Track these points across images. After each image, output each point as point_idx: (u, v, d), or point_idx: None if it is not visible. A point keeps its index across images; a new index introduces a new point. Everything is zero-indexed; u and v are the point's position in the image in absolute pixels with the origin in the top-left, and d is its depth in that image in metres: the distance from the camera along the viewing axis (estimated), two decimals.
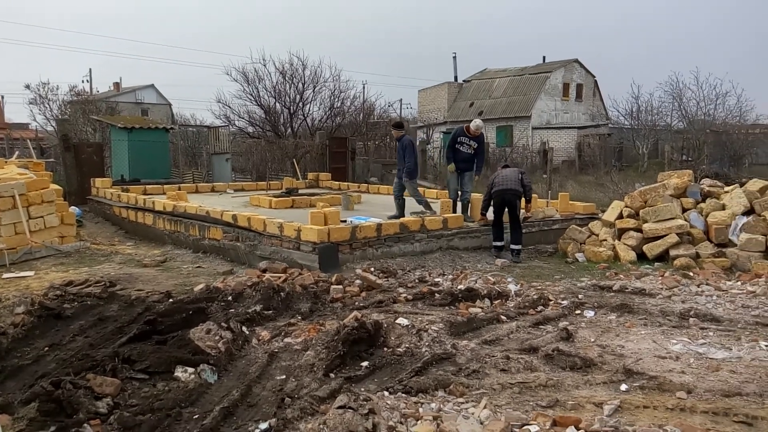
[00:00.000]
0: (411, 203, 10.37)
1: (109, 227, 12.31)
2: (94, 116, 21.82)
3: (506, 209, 8.94)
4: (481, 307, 6.08)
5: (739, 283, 7.14)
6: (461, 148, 9.79)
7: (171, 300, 6.05)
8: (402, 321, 5.37)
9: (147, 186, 14.23)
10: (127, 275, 7.72)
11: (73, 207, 11.23)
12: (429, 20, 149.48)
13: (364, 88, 36.63)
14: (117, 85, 53.32)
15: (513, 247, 8.88)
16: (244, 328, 5.11)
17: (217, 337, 4.62)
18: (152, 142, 16.18)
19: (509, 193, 8.87)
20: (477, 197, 10.32)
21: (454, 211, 9.81)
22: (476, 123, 9.84)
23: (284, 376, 4.21)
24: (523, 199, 9.06)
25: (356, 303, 6.20)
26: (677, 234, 8.42)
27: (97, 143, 17.78)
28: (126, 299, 6.10)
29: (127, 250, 9.97)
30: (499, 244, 8.99)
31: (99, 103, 30.59)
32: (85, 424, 3.46)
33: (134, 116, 26.00)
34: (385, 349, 4.69)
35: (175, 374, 4.09)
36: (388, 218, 9.39)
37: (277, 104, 26.01)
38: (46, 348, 4.77)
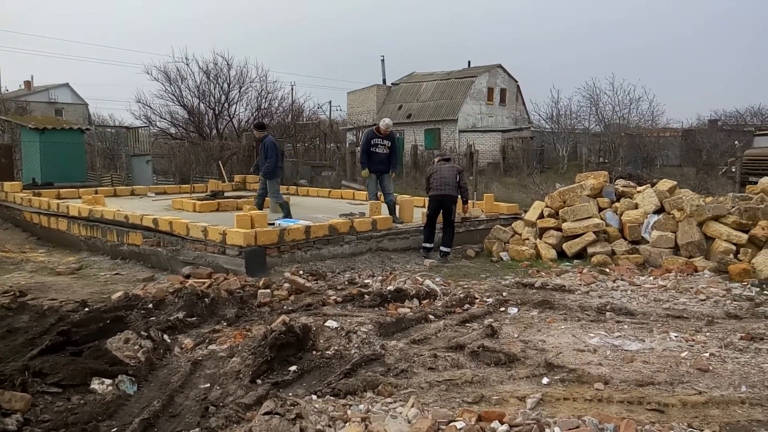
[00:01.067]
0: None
1: (19, 234, 11.60)
2: (2, 116, 20.54)
3: (441, 211, 8.98)
4: (410, 307, 6.14)
5: (651, 278, 7.54)
6: (376, 150, 9.85)
7: (87, 309, 5.76)
8: (331, 323, 5.34)
9: (61, 190, 13.50)
10: (39, 284, 7.30)
11: None
12: (355, 24, 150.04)
13: (292, 89, 36.05)
14: (28, 83, 50.51)
15: (443, 249, 8.98)
16: (165, 337, 4.93)
17: (136, 347, 4.43)
18: (66, 143, 15.39)
19: (447, 199, 8.88)
20: (405, 198, 10.42)
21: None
22: (385, 122, 9.87)
23: (209, 385, 4.09)
24: (460, 200, 9.13)
25: (285, 307, 6.11)
26: (594, 232, 8.80)
27: (6, 145, 16.75)
28: (38, 309, 5.75)
29: (39, 257, 9.42)
30: (428, 245, 9.07)
31: (8, 102, 28.91)
32: None
33: (47, 116, 24.61)
34: (314, 352, 4.64)
35: (92, 386, 3.90)
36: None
37: (201, 104, 25.30)
38: None
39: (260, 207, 10.15)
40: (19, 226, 12.06)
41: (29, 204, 11.85)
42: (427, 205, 9.09)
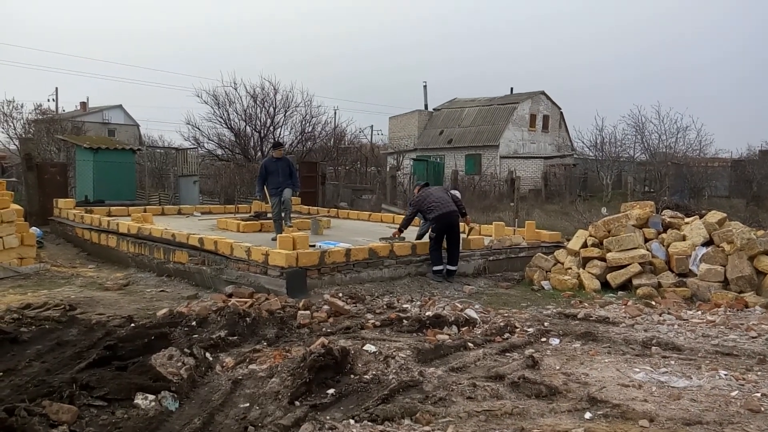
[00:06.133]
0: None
1: (70, 249, 12.02)
2: (59, 136, 21.46)
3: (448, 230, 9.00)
4: (449, 334, 6.08)
5: (699, 312, 7.31)
6: None
7: (133, 325, 5.91)
8: (369, 347, 5.34)
9: (111, 207, 13.97)
10: (87, 299, 7.53)
11: (33, 228, 10.95)
12: (398, 51, 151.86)
13: (335, 113, 36.68)
14: (84, 104, 52.66)
15: (452, 267, 8.97)
16: (207, 354, 5.01)
17: (179, 364, 4.52)
18: (118, 163, 15.95)
19: (454, 216, 9.06)
20: None
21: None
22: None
23: (248, 404, 4.13)
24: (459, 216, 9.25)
25: (323, 329, 6.15)
26: (640, 263, 8.59)
27: (61, 163, 17.45)
28: (86, 323, 5.93)
29: (88, 272, 9.73)
30: (440, 268, 8.97)
31: (64, 122, 30.16)
32: None
33: (100, 136, 25.62)
34: (352, 376, 4.64)
35: (135, 401, 3.98)
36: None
37: (248, 127, 25.93)
38: (1, 373, 4.59)
39: (281, 229, 10.32)
40: (71, 241, 12.50)
41: (81, 220, 12.29)
42: (431, 227, 9.05)
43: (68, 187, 16.30)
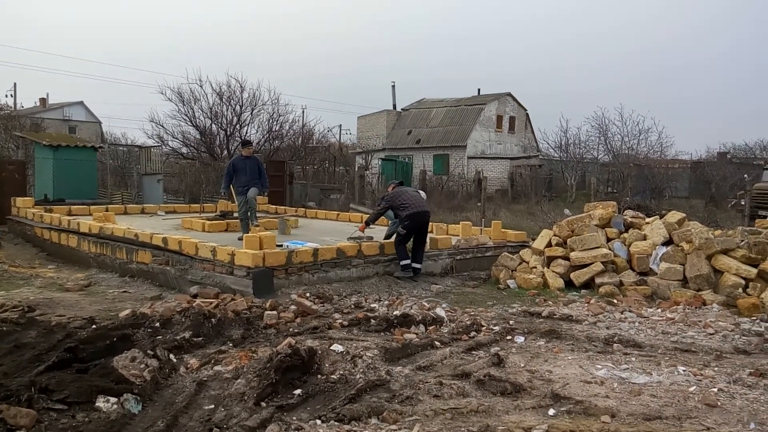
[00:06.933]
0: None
1: (29, 249, 11.69)
2: (17, 132, 20.84)
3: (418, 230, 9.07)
4: (416, 333, 6.11)
5: (659, 310, 7.49)
6: None
7: (94, 326, 5.78)
8: (337, 347, 5.33)
9: (72, 206, 13.64)
10: (47, 300, 7.33)
11: None
12: (367, 53, 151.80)
13: (303, 112, 36.51)
14: (43, 100, 51.31)
15: (417, 266, 9.04)
16: (171, 356, 4.94)
17: (142, 366, 4.44)
18: (79, 161, 15.56)
19: (428, 215, 9.25)
20: None
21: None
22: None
23: (213, 406, 4.08)
24: None
25: (290, 329, 6.11)
26: (602, 262, 8.77)
27: (19, 161, 16.96)
28: (45, 325, 5.77)
29: (48, 273, 9.48)
30: (407, 261, 8.97)
31: (23, 119, 29.32)
32: None
33: (61, 134, 24.91)
34: (319, 376, 4.63)
35: (97, 404, 3.90)
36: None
37: (214, 125, 25.60)
38: None
39: (247, 229, 10.23)
40: (29, 241, 12.16)
41: (40, 220, 11.97)
42: (402, 224, 8.99)
43: (27, 186, 15.86)
